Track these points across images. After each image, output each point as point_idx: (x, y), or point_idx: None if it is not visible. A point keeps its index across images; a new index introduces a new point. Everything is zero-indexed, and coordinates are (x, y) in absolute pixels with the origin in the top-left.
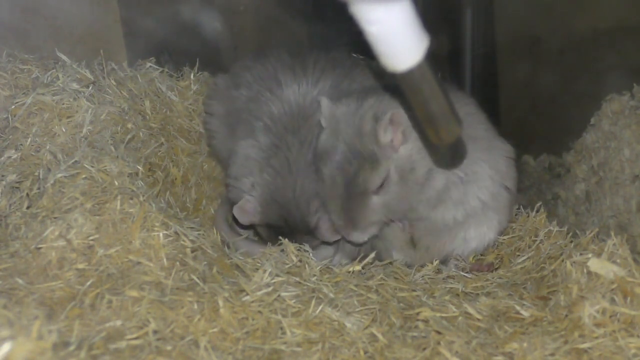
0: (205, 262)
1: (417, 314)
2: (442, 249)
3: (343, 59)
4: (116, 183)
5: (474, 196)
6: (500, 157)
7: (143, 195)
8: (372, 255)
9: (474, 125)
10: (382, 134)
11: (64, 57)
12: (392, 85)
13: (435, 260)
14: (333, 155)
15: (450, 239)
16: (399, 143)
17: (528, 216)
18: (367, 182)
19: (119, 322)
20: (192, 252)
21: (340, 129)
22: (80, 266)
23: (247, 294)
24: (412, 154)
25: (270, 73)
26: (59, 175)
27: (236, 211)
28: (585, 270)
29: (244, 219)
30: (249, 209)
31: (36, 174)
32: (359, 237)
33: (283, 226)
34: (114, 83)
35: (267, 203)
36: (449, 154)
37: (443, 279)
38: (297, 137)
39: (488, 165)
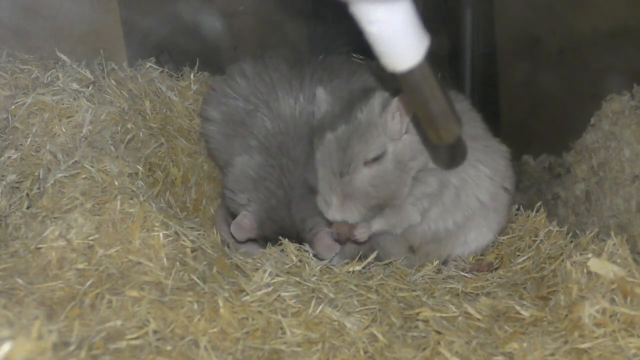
0: (205, 262)
1: (417, 314)
2: (442, 253)
3: (341, 67)
4: (116, 183)
5: (473, 197)
6: (499, 157)
7: (143, 195)
8: (374, 255)
9: (471, 123)
10: (390, 119)
11: (64, 57)
12: (392, 87)
13: (435, 260)
14: (331, 126)
15: (451, 243)
16: (403, 131)
17: (528, 216)
18: (362, 150)
19: (119, 322)
20: (192, 252)
21: (341, 108)
22: (80, 266)
23: (247, 294)
24: (413, 146)
25: (267, 85)
26: (59, 175)
27: (234, 228)
28: (585, 270)
29: (241, 236)
30: (245, 225)
31: (36, 174)
32: (337, 213)
33: (280, 240)
34: (114, 83)
35: (263, 220)
36: (449, 154)
37: (443, 279)
38: (291, 157)
39: (487, 167)
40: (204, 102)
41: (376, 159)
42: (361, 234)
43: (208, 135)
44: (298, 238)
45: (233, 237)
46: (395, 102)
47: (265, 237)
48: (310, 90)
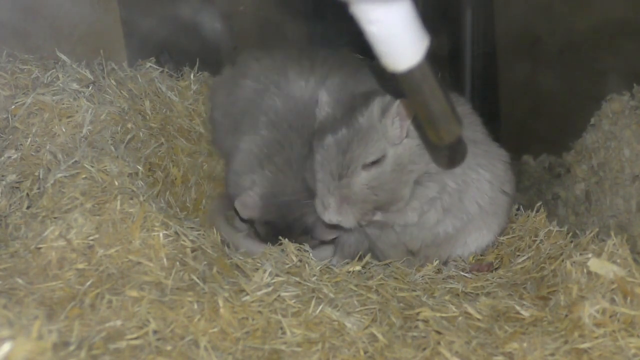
0: (205, 262)
1: (417, 314)
2: (442, 255)
3: (350, 60)
4: (116, 183)
5: (473, 202)
6: (498, 161)
7: (143, 195)
8: (368, 257)
9: (471, 127)
10: (389, 124)
11: (64, 57)
12: (395, 88)
13: (435, 260)
14: (332, 129)
15: (451, 245)
16: (404, 135)
17: (528, 216)
18: (361, 154)
19: (119, 322)
20: (192, 252)
21: (342, 112)
22: (80, 266)
23: (247, 294)
24: (413, 150)
25: (278, 66)
26: (59, 175)
27: (238, 204)
28: (585, 270)
29: (244, 213)
30: (249, 203)
31: (36, 174)
32: (333, 216)
33: (281, 224)
34: (114, 83)
35: (267, 198)
36: (449, 154)
37: (443, 279)
38: (300, 135)
39: (487, 171)
40: (212, 88)
41: (375, 163)
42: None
43: (215, 120)
44: (300, 220)
45: (236, 212)
46: (395, 106)
47: (267, 221)
48: (322, 73)
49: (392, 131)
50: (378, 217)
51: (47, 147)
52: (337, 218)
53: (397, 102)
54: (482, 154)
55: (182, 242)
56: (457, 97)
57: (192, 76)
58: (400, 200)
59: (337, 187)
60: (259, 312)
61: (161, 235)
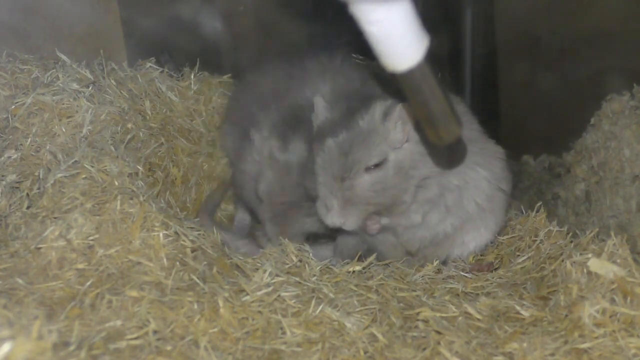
0: (205, 262)
1: (417, 314)
2: (441, 255)
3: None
4: (116, 183)
5: (471, 200)
6: (494, 159)
7: (143, 195)
8: (374, 256)
9: (466, 125)
10: (391, 128)
11: (64, 57)
12: (393, 94)
13: (436, 260)
14: (331, 132)
15: (449, 245)
16: (405, 140)
17: (528, 216)
18: (363, 157)
19: (119, 322)
20: (192, 252)
21: (340, 115)
22: (80, 266)
23: (247, 294)
24: (414, 154)
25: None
26: (59, 175)
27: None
28: (585, 270)
29: None
30: None
31: (36, 174)
32: (336, 218)
33: None
34: (114, 83)
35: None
36: (448, 154)
37: (443, 279)
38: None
39: (484, 169)
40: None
41: (377, 166)
42: (372, 225)
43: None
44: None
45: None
46: (397, 110)
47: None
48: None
49: (394, 135)
50: (385, 221)
51: (47, 147)
52: (340, 220)
53: (400, 105)
54: (479, 152)
55: (182, 242)
56: (452, 95)
57: (192, 76)
58: (402, 204)
59: (339, 189)
60: (259, 312)
61: (161, 235)
